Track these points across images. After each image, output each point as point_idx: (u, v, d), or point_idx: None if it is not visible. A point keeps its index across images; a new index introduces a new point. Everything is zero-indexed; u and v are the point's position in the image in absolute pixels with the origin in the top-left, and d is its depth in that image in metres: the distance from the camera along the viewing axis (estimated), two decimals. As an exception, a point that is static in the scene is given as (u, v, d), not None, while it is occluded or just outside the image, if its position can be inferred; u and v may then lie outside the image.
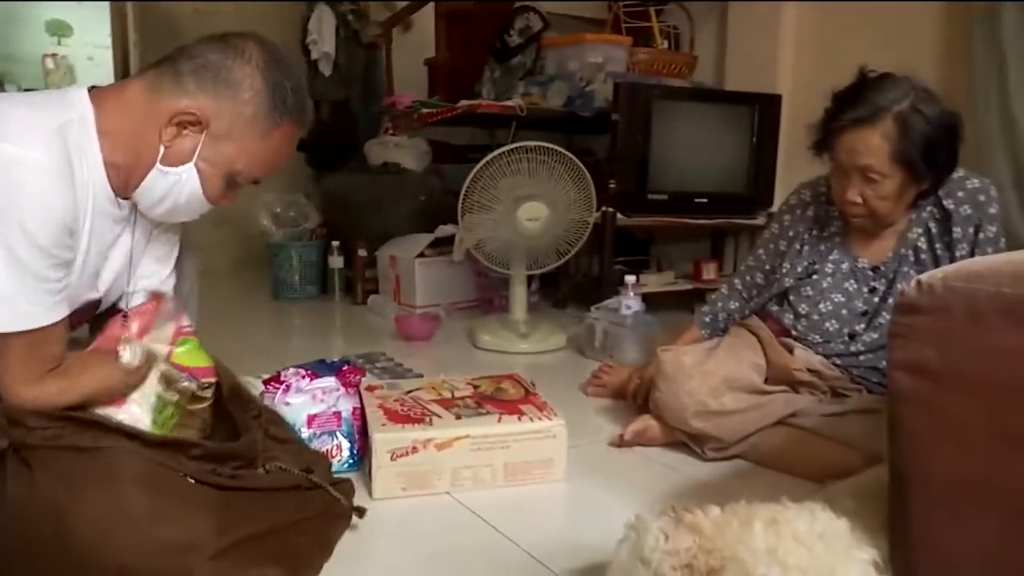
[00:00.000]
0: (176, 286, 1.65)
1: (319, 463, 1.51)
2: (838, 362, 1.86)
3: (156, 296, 1.43)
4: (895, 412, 0.95)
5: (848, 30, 3.38)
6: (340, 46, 4.19)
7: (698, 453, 1.83)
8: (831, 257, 1.89)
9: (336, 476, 1.51)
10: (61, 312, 1.22)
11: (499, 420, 1.67)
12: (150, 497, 1.14)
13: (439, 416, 1.67)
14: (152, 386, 1.34)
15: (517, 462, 1.65)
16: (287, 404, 1.71)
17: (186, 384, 1.36)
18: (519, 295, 3.00)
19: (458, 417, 1.67)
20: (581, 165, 2.81)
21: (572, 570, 1.33)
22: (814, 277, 1.90)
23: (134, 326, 1.36)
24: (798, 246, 1.96)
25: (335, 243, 3.86)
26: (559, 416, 1.70)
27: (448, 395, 1.81)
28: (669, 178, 3.40)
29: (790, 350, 1.88)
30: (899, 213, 1.78)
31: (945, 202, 1.76)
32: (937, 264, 1.74)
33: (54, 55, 4.10)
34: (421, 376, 2.35)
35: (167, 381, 1.35)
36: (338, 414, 1.72)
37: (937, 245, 1.77)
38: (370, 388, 1.83)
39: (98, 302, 1.41)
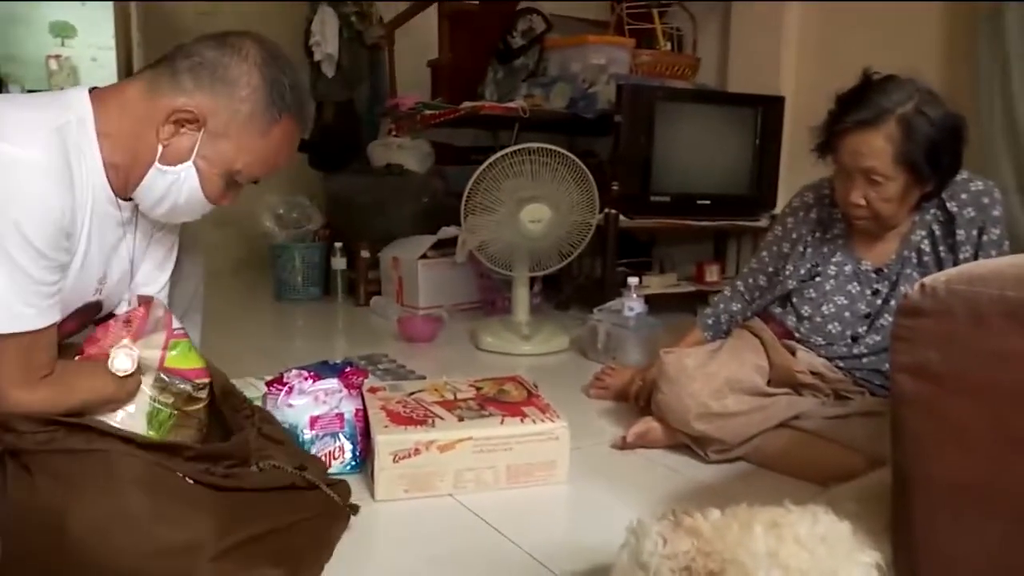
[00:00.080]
0: (181, 287, 1.65)
1: (313, 463, 1.52)
2: (841, 364, 1.86)
3: (145, 302, 1.43)
4: (898, 415, 0.95)
5: (851, 31, 3.37)
6: (343, 47, 4.19)
7: (700, 455, 1.83)
8: (834, 259, 1.89)
9: (332, 477, 1.51)
10: (54, 316, 1.21)
11: (502, 422, 1.67)
12: (150, 497, 1.14)
13: (442, 418, 1.67)
14: (146, 392, 1.34)
15: (520, 464, 1.65)
16: (290, 406, 1.71)
17: (181, 386, 1.36)
18: (522, 297, 3.00)
19: (461, 419, 1.67)
20: (584, 167, 2.80)
21: (574, 572, 1.33)
22: (817, 279, 1.90)
23: (124, 332, 1.36)
24: (801, 248, 1.96)
25: (338, 244, 3.86)
26: (562, 418, 1.70)
27: (451, 397, 1.81)
28: (672, 180, 3.40)
29: (793, 352, 1.88)
30: (902, 215, 1.78)
31: (949, 204, 1.75)
32: (940, 267, 1.73)
33: (57, 56, 4.10)
34: (423, 378, 2.35)
35: (161, 386, 1.35)
36: (341, 416, 1.72)
37: (940, 247, 1.77)
38: (373, 390, 1.83)
39: (99, 306, 1.41)
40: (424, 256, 3.52)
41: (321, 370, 1.82)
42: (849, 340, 1.85)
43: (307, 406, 1.72)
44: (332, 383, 1.77)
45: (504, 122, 3.73)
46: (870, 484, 1.21)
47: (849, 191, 1.75)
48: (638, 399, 2.09)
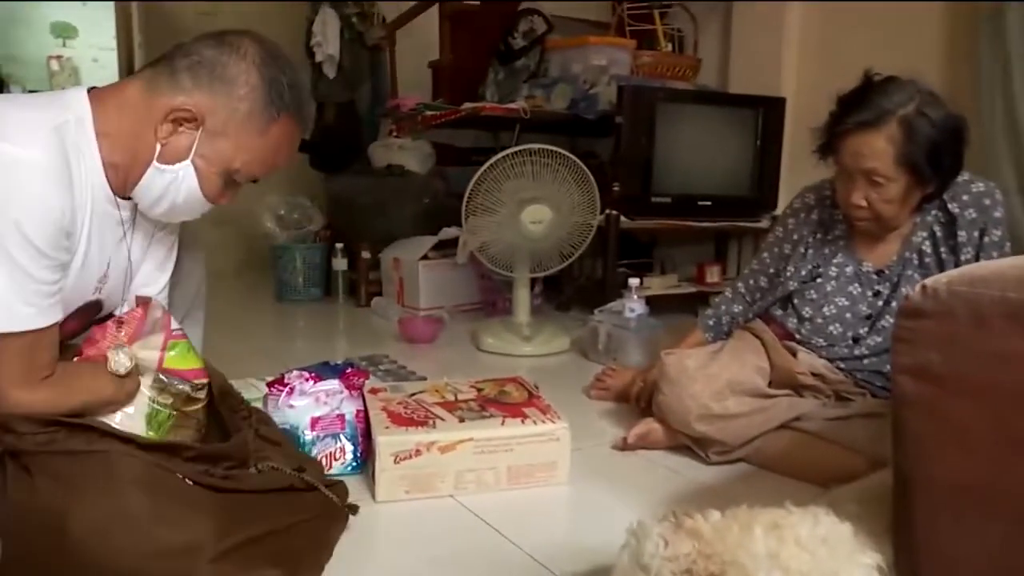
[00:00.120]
0: (183, 286, 1.65)
1: (311, 464, 1.51)
2: (842, 366, 1.86)
3: (143, 303, 1.43)
4: (899, 416, 0.95)
5: (852, 31, 3.38)
6: (344, 48, 4.20)
7: (701, 457, 1.82)
8: (835, 261, 1.89)
9: (330, 478, 1.51)
10: (56, 315, 1.21)
11: (502, 423, 1.67)
12: (150, 498, 1.13)
13: (442, 419, 1.67)
14: (145, 393, 1.34)
15: (520, 465, 1.65)
16: (291, 407, 1.71)
17: (180, 387, 1.36)
18: (523, 298, 3.00)
19: (461, 420, 1.67)
20: (585, 168, 2.80)
21: (575, 573, 1.33)
22: (818, 280, 1.90)
23: (122, 333, 1.36)
24: (802, 249, 1.96)
25: (339, 245, 3.86)
26: (562, 419, 1.70)
27: (451, 398, 1.81)
28: (673, 181, 3.40)
29: (794, 354, 1.88)
30: (904, 217, 1.78)
31: (950, 206, 1.75)
32: (942, 268, 1.73)
33: (59, 57, 4.10)
34: (424, 379, 2.35)
35: (160, 387, 1.35)
36: (341, 417, 1.72)
37: (942, 249, 1.77)
38: (373, 391, 1.83)
39: (99, 305, 1.41)
40: (425, 257, 3.52)
41: (322, 371, 1.82)
42: (850, 341, 1.85)
43: (308, 407, 1.72)
44: (333, 384, 1.77)
45: (505, 123, 3.74)
46: (871, 485, 1.21)
47: (850, 192, 1.75)
48: (639, 400, 2.09)
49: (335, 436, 1.71)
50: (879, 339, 1.81)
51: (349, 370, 1.84)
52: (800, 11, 3.63)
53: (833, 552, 0.99)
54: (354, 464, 1.71)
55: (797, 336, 1.91)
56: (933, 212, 1.79)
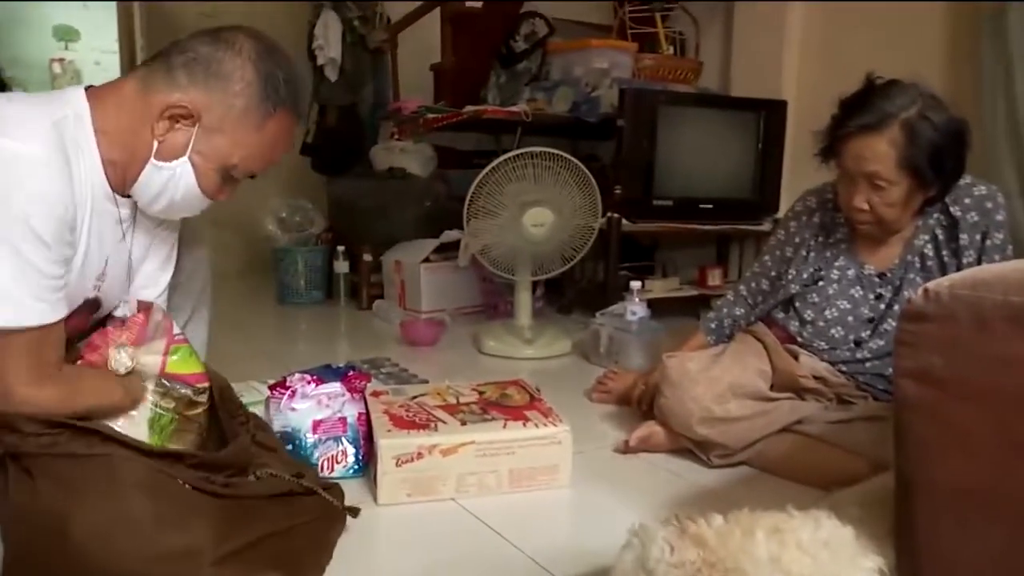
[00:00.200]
0: (187, 284, 1.65)
1: (307, 470, 1.51)
2: (844, 369, 1.86)
3: (145, 308, 1.43)
4: (901, 419, 0.95)
5: (854, 32, 3.38)
6: (346, 51, 4.21)
7: (703, 460, 1.82)
8: (837, 264, 1.89)
9: (326, 481, 1.51)
10: (62, 311, 1.21)
11: (504, 426, 1.67)
12: (152, 502, 1.13)
13: (444, 422, 1.67)
14: (147, 397, 1.34)
15: (522, 468, 1.65)
16: (293, 409, 1.71)
17: (182, 391, 1.36)
18: (524, 301, 3.00)
19: (463, 423, 1.67)
20: (586, 171, 2.80)
21: (577, 577, 1.33)
22: (820, 284, 1.89)
23: (123, 338, 1.36)
24: (804, 253, 1.96)
25: (340, 248, 3.86)
26: (564, 422, 1.70)
27: (453, 401, 1.81)
28: (674, 184, 3.40)
29: (795, 357, 1.88)
30: (906, 220, 1.78)
31: (952, 209, 1.75)
32: (944, 271, 1.74)
33: (61, 60, 4.11)
34: (426, 382, 2.35)
35: (162, 391, 1.35)
36: (343, 419, 1.72)
37: (944, 252, 1.77)
38: (375, 394, 1.83)
39: (96, 303, 1.41)
40: (427, 260, 3.53)
41: (324, 374, 1.82)
42: (852, 344, 1.85)
43: (310, 410, 1.72)
44: (335, 387, 1.77)
45: (507, 126, 3.74)
46: (873, 489, 1.21)
47: (852, 195, 1.75)
48: (640, 403, 2.09)
49: (337, 439, 1.71)
50: (881, 342, 1.81)
51: (351, 373, 1.84)
52: (801, 12, 3.63)
53: (835, 556, 0.99)
54: (356, 467, 1.71)
55: (799, 339, 1.91)
56: (935, 215, 1.79)
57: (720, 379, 1.79)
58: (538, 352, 2.89)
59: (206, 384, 1.39)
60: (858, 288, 1.86)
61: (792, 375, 1.84)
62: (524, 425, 1.68)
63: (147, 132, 1.28)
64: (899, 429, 0.96)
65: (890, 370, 1.64)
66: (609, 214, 3.24)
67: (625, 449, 1.90)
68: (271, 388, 1.79)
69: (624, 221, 3.33)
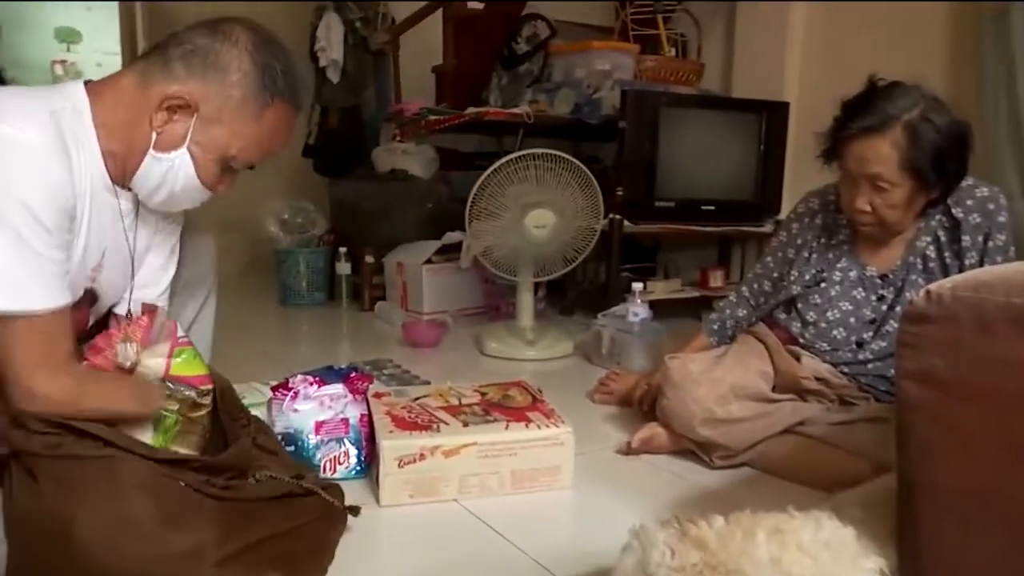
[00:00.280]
0: (193, 269, 1.66)
1: (307, 471, 1.51)
2: (846, 370, 1.86)
3: (149, 310, 1.43)
4: (903, 421, 0.95)
5: (855, 32, 3.38)
6: (348, 53, 4.20)
7: (705, 461, 1.82)
8: (839, 265, 1.89)
9: (326, 481, 1.51)
10: (67, 296, 1.22)
11: (506, 427, 1.67)
12: (155, 503, 1.13)
13: (446, 423, 1.67)
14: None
15: (524, 469, 1.65)
16: (295, 411, 1.72)
17: (186, 393, 1.37)
18: (526, 302, 3.00)
19: (465, 424, 1.67)
20: (588, 172, 2.81)
21: (579, 578, 1.33)
22: (822, 285, 1.90)
23: (130, 330, 1.36)
24: (806, 254, 1.96)
25: (342, 249, 3.86)
26: (566, 423, 1.70)
27: (455, 402, 1.81)
28: (676, 185, 3.40)
29: (797, 358, 1.87)
30: (908, 221, 1.78)
31: (954, 210, 1.75)
32: (946, 273, 1.73)
33: (63, 61, 4.12)
34: (428, 383, 2.36)
35: (167, 394, 1.35)
36: (346, 421, 1.72)
37: (946, 253, 1.77)
38: (377, 395, 1.83)
39: (94, 297, 1.41)
40: (428, 261, 3.53)
41: (326, 375, 1.82)
42: (854, 346, 1.85)
43: (312, 411, 1.72)
44: (337, 388, 1.77)
45: (509, 127, 3.74)
46: (875, 490, 1.21)
47: (854, 197, 1.75)
48: (642, 404, 2.09)
49: (339, 440, 1.71)
50: (883, 344, 1.81)
51: (353, 374, 1.85)
52: (803, 13, 3.63)
53: (836, 557, 0.99)
54: (358, 468, 1.71)
55: (801, 340, 1.91)
56: (937, 217, 1.79)
57: (722, 380, 1.79)
58: (540, 353, 2.89)
59: (210, 386, 1.40)
60: (860, 289, 1.86)
61: (794, 376, 1.84)
62: (526, 426, 1.68)
63: (146, 124, 1.29)
64: (901, 430, 0.96)
65: (892, 371, 1.64)
66: (611, 215, 3.24)
67: (627, 450, 1.90)
68: (274, 389, 1.79)
69: (626, 222, 3.34)
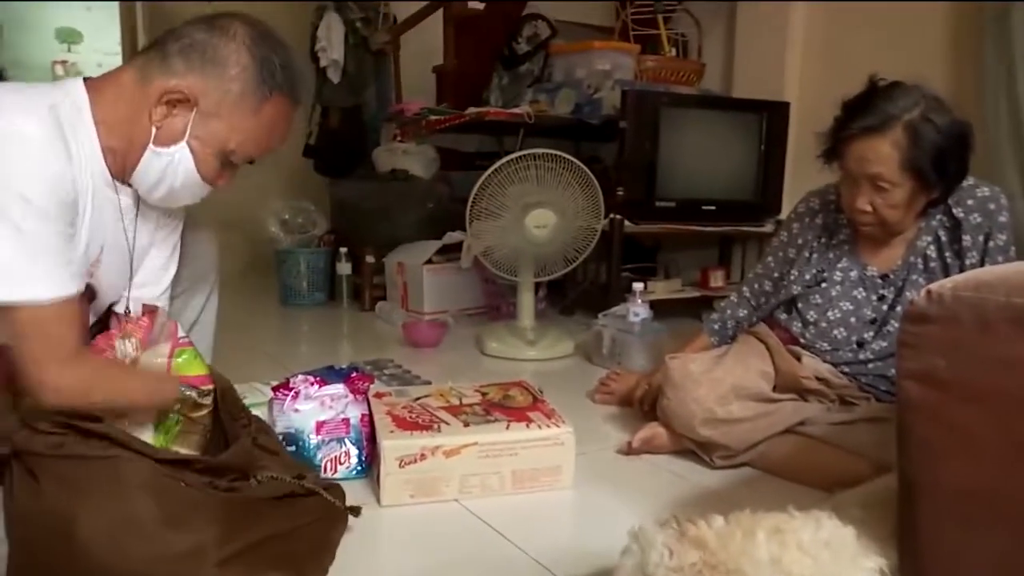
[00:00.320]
0: (195, 266, 1.66)
1: (308, 471, 1.52)
2: (846, 370, 1.86)
3: (150, 311, 1.43)
4: (904, 421, 0.95)
5: (856, 32, 3.38)
6: (349, 53, 4.20)
7: (706, 461, 1.82)
8: (840, 265, 1.89)
9: (327, 481, 1.51)
10: (74, 285, 1.22)
11: (507, 427, 1.67)
12: (156, 503, 1.13)
13: (447, 423, 1.67)
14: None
15: (525, 469, 1.65)
16: (296, 411, 1.72)
17: (187, 393, 1.37)
18: (527, 302, 3.00)
19: (466, 424, 1.68)
20: (589, 172, 2.81)
21: (579, 578, 1.33)
22: (823, 285, 1.90)
23: (129, 328, 1.37)
24: (807, 254, 1.96)
25: (343, 250, 3.86)
26: (567, 423, 1.70)
27: (456, 402, 1.81)
28: (677, 185, 3.40)
29: (798, 358, 1.87)
30: (909, 221, 1.78)
31: (955, 210, 1.75)
32: (947, 272, 1.74)
33: (64, 62, 4.11)
34: (429, 383, 2.35)
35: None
36: (346, 421, 1.72)
37: (947, 253, 1.77)
38: (378, 395, 1.83)
39: (92, 293, 1.41)
40: (429, 261, 3.52)
41: (327, 375, 1.82)
42: (855, 346, 1.85)
43: (313, 411, 1.72)
44: (338, 388, 1.77)
45: (509, 128, 3.74)
46: (876, 490, 1.21)
47: (855, 197, 1.75)
48: (643, 404, 2.09)
49: (340, 440, 1.71)
50: (884, 344, 1.81)
51: (354, 374, 1.85)
52: (804, 13, 3.63)
53: (836, 556, 0.99)
54: (359, 468, 1.71)
55: (801, 340, 1.91)
56: (938, 217, 1.79)
57: (723, 380, 1.79)
58: (541, 353, 2.89)
59: (211, 386, 1.40)
60: (861, 289, 1.86)
61: (795, 376, 1.84)
62: (527, 426, 1.68)
63: (145, 119, 1.30)
64: (902, 430, 0.96)
65: (893, 371, 1.64)
66: (611, 215, 3.24)
67: (628, 450, 1.90)
68: (274, 389, 1.79)
69: (626, 222, 3.34)
